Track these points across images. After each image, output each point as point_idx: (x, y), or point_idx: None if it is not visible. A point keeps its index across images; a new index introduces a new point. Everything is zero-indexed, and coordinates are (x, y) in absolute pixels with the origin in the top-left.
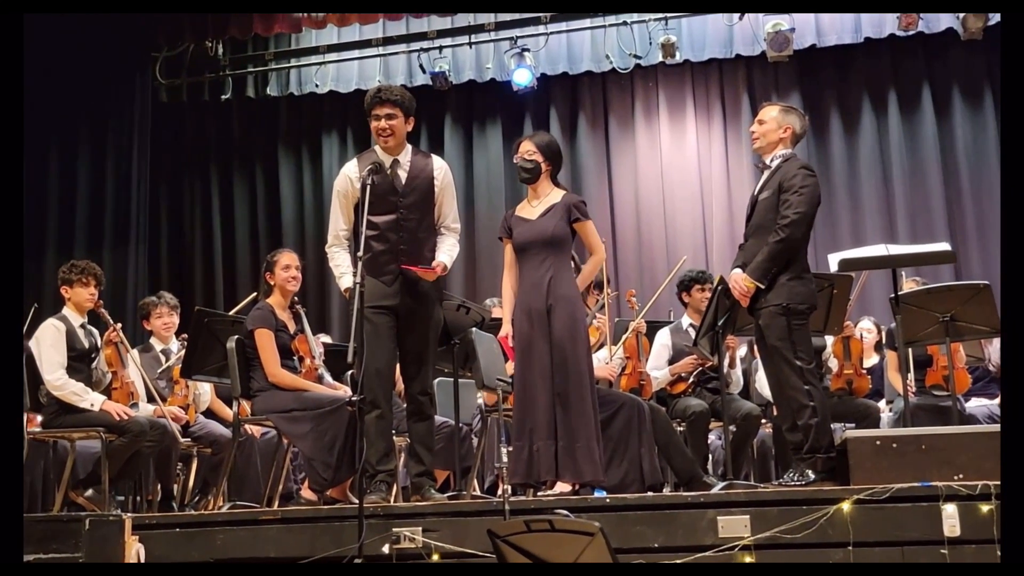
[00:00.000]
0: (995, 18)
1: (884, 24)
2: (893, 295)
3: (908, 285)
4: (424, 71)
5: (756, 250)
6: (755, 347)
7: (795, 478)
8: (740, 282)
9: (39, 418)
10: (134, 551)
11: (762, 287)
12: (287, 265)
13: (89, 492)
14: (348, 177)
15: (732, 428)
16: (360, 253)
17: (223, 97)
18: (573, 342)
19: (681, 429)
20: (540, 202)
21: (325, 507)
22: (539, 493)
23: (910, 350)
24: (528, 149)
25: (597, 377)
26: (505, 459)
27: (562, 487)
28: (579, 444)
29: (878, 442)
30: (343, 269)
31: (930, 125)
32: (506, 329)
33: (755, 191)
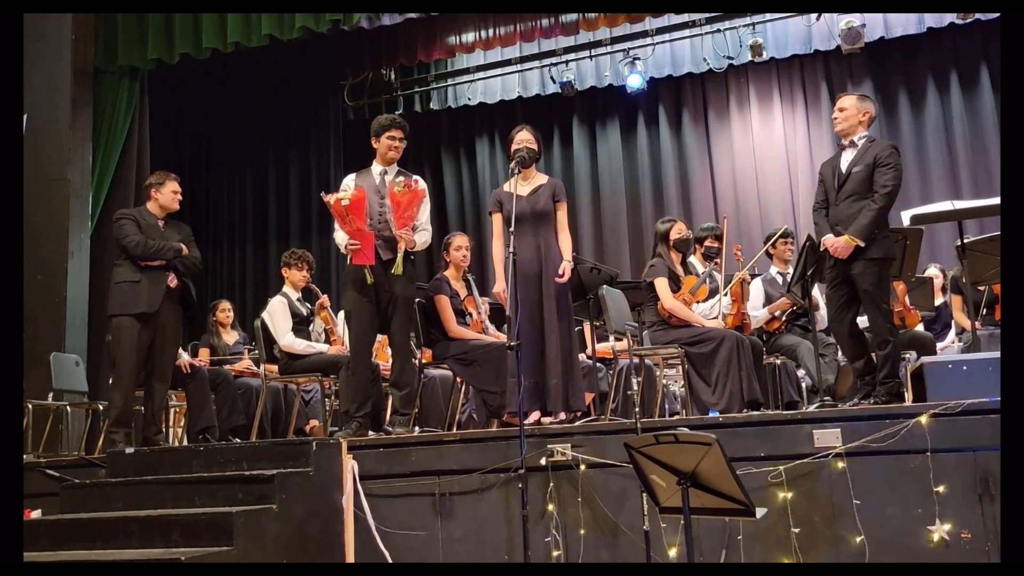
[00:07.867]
0: None
1: (944, 15)
2: (959, 243)
3: None
4: (554, 81)
5: (849, 212)
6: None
7: (871, 399)
8: (841, 243)
9: (275, 368)
10: (349, 466)
11: (862, 245)
12: (459, 246)
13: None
14: (346, 186)
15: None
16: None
17: (396, 112)
18: (556, 301)
19: (781, 360)
20: (530, 182)
21: (493, 429)
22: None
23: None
24: (529, 139)
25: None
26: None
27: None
28: (554, 381)
29: (950, 365)
30: (341, 237)
31: (988, 99)
32: (499, 286)
33: (841, 165)
